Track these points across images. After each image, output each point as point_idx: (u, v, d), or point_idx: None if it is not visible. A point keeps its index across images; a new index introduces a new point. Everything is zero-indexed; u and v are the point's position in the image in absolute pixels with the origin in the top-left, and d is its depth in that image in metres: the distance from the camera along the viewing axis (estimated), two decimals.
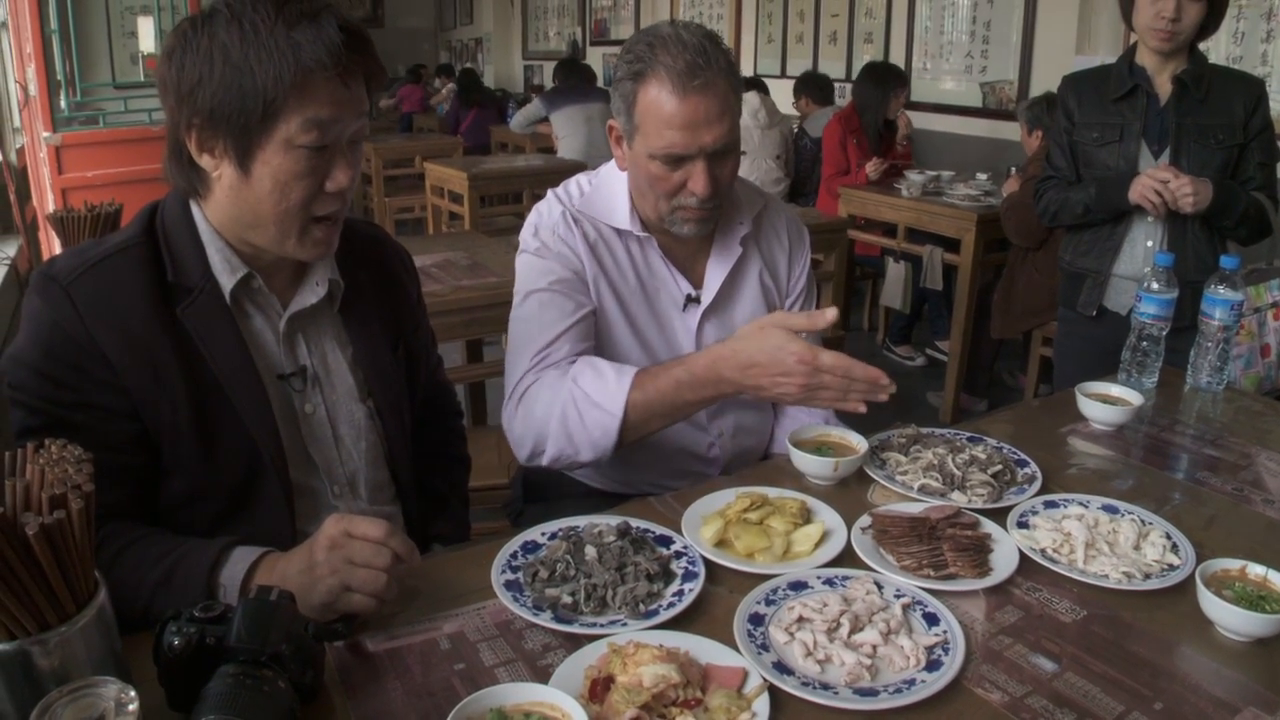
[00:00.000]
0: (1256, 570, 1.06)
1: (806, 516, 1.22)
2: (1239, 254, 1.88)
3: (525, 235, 1.47)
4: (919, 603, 1.05)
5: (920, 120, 5.14)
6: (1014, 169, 3.89)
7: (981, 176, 4.22)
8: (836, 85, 5.45)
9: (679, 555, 1.13)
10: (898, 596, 1.05)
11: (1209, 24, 2.09)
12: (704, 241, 1.50)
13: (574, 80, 5.96)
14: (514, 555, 1.12)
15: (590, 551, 1.09)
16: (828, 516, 1.22)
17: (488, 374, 2.82)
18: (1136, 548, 1.16)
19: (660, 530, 1.18)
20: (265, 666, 0.80)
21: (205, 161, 1.06)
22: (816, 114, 5.09)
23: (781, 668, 0.93)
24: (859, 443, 1.38)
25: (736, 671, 0.92)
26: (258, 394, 1.12)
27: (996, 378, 4.09)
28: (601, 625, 1.00)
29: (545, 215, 1.47)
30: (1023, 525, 1.22)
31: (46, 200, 3.24)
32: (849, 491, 1.32)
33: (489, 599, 1.05)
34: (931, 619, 1.02)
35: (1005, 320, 3.50)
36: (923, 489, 1.30)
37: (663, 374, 1.30)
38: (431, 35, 12.87)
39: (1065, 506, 1.26)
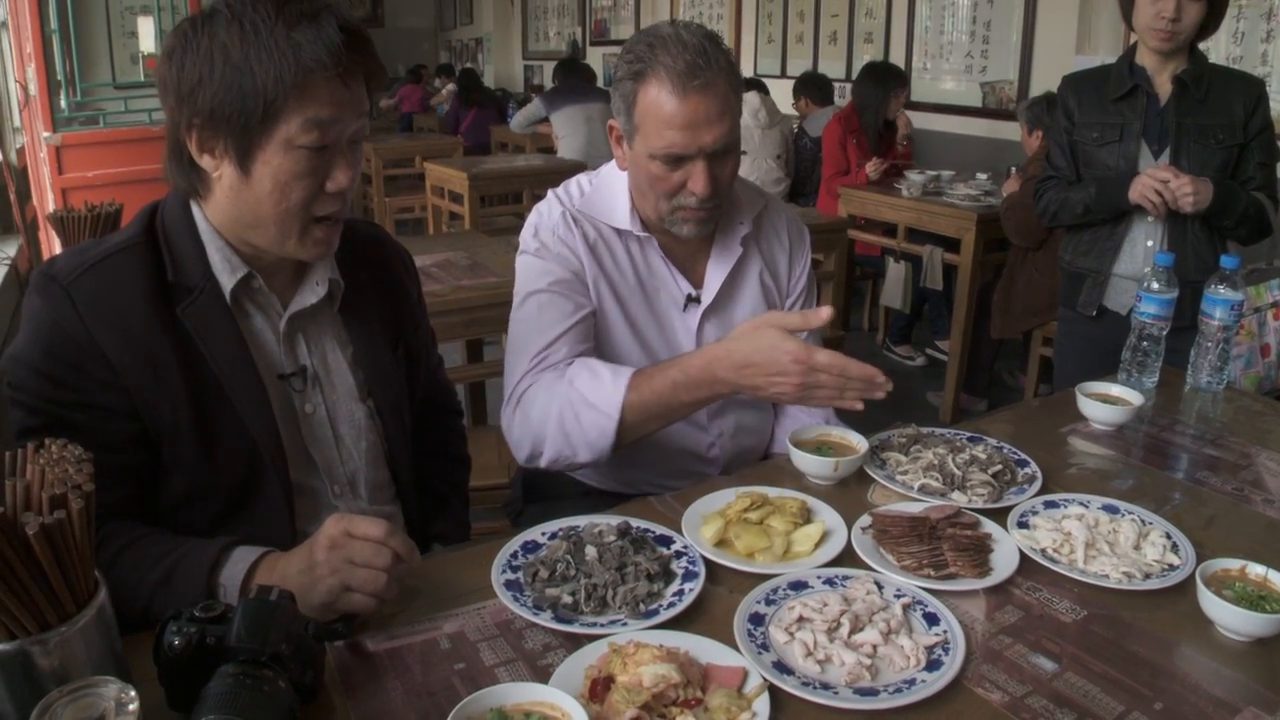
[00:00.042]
0: (1256, 570, 1.06)
1: (806, 516, 1.22)
2: (1239, 254, 1.87)
3: (525, 236, 1.47)
4: (919, 602, 1.05)
5: (920, 120, 5.14)
6: (1014, 169, 3.89)
7: (981, 176, 4.22)
8: (836, 85, 5.45)
9: (679, 555, 1.13)
10: (898, 596, 1.05)
11: (1209, 24, 2.09)
12: (704, 241, 1.50)
13: (574, 80, 5.96)
14: (514, 555, 1.12)
15: (590, 551, 1.09)
16: (828, 516, 1.22)
17: (488, 374, 2.82)
18: (1137, 548, 1.16)
19: (660, 530, 1.18)
20: (265, 666, 0.80)
21: (205, 162, 1.06)
22: (816, 114, 5.10)
23: (781, 667, 0.93)
24: (859, 443, 1.38)
25: (736, 671, 0.92)
26: (258, 394, 1.12)
27: (996, 378, 4.09)
28: (601, 625, 1.00)
29: (545, 216, 1.47)
30: (1023, 525, 1.22)
31: (46, 200, 3.24)
32: (849, 491, 1.32)
33: (489, 599, 1.05)
34: (931, 619, 1.02)
35: (1005, 320, 3.50)
36: (923, 489, 1.30)
37: (658, 375, 1.30)
38: (431, 35, 12.87)
39: (1065, 506, 1.26)
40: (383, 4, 12.44)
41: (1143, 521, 1.21)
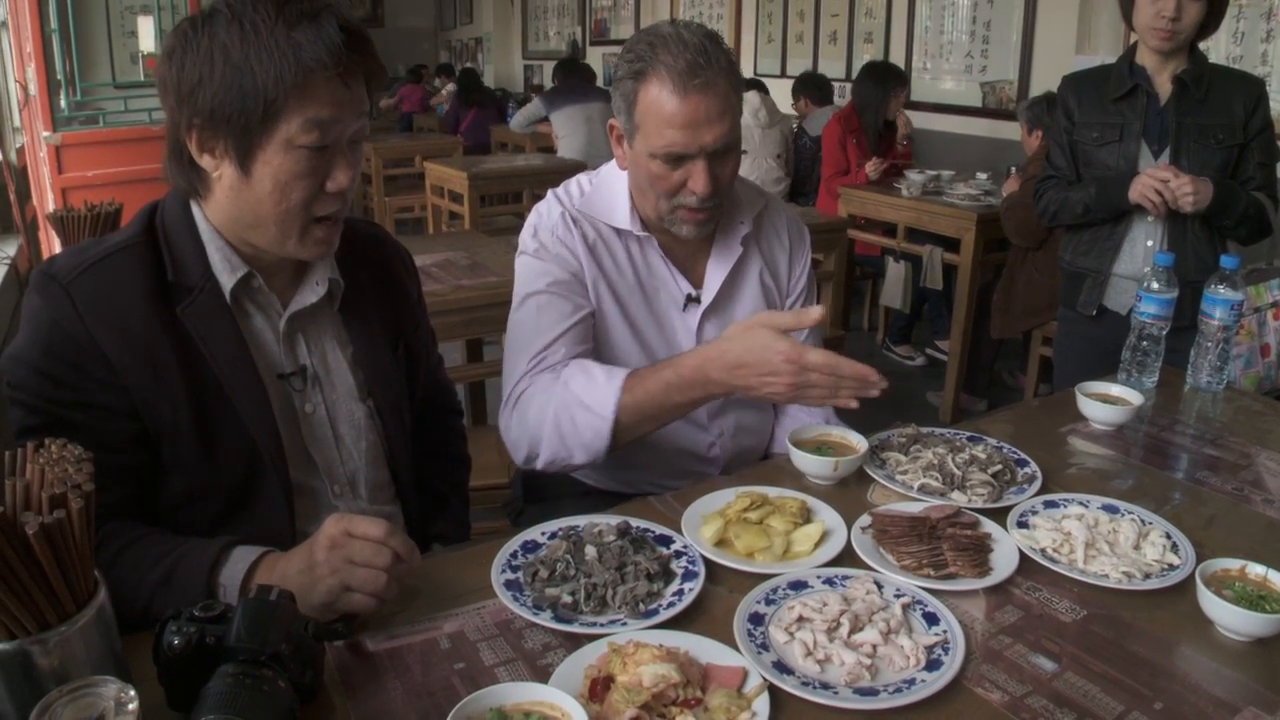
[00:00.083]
0: (1256, 570, 1.06)
1: (806, 516, 1.22)
2: (1239, 254, 1.88)
3: (524, 237, 1.47)
4: (919, 602, 1.05)
5: (920, 120, 5.14)
6: (1014, 169, 3.89)
7: (981, 176, 4.22)
8: (836, 85, 5.45)
9: (679, 555, 1.13)
10: (898, 596, 1.05)
11: (1209, 23, 2.09)
12: (704, 241, 1.49)
13: (574, 80, 5.96)
14: (514, 555, 1.12)
15: (590, 551, 1.09)
16: (828, 516, 1.22)
17: (488, 373, 2.82)
18: (1136, 547, 1.16)
19: (660, 530, 1.18)
20: (265, 666, 0.80)
21: (205, 162, 1.06)
22: (816, 113, 5.10)
23: (781, 667, 0.93)
24: (859, 442, 1.38)
25: (736, 671, 0.92)
26: (258, 393, 1.12)
27: (996, 377, 4.09)
28: (601, 625, 1.00)
29: (545, 216, 1.47)
30: (1023, 525, 1.22)
31: (46, 200, 3.24)
32: (849, 491, 1.32)
33: (489, 598, 1.05)
34: (931, 619, 1.02)
35: (1005, 320, 3.50)
36: (923, 489, 1.30)
37: (652, 376, 1.30)
38: (431, 35, 12.87)
39: (1065, 506, 1.26)
40: (383, 4, 12.44)
41: (1143, 521, 1.21)
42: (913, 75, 5.39)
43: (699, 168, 1.32)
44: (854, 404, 1.24)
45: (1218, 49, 3.82)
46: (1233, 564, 1.07)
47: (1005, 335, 3.61)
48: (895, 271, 4.12)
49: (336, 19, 1.02)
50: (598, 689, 0.87)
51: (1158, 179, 2.06)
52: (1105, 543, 1.16)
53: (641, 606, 1.02)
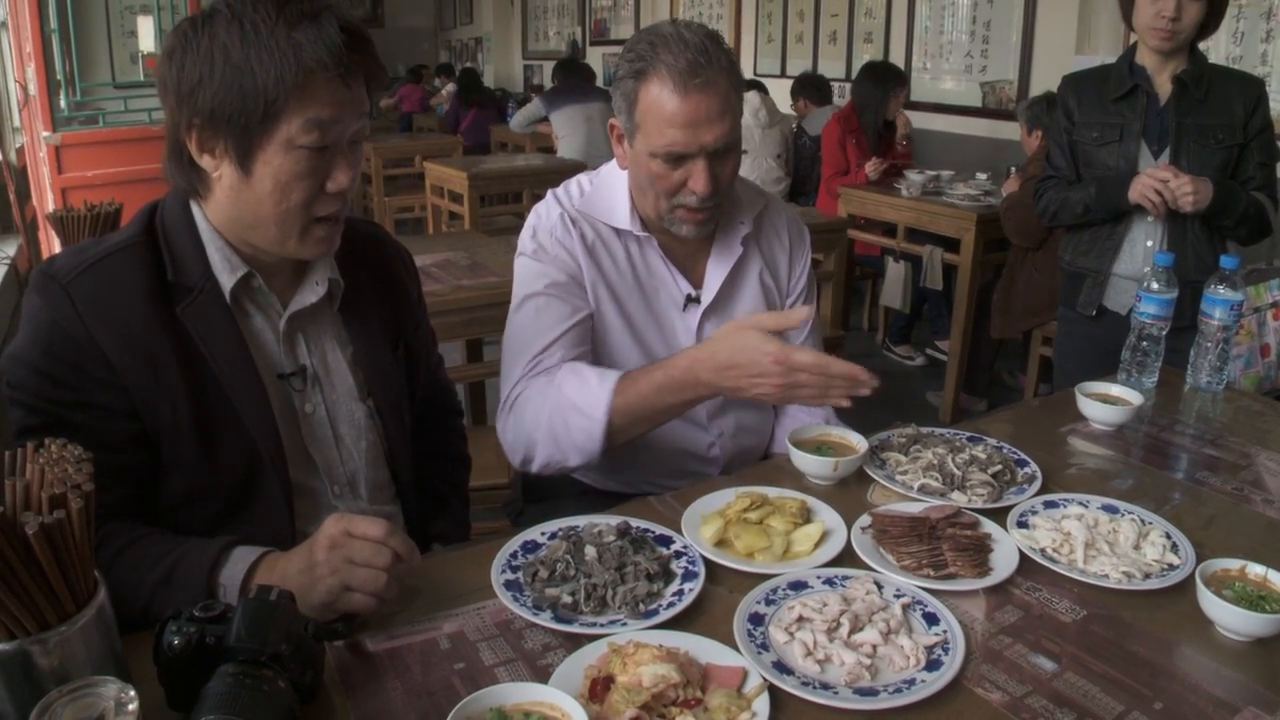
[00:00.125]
0: (1256, 570, 1.06)
1: (806, 516, 1.22)
2: (1239, 254, 1.88)
3: (523, 238, 1.47)
4: (919, 602, 1.05)
5: (920, 120, 5.14)
6: (1014, 169, 3.89)
7: (981, 176, 4.22)
8: (836, 85, 5.45)
9: (679, 555, 1.13)
10: (898, 596, 1.05)
11: (1209, 23, 2.10)
12: (704, 241, 1.49)
13: (574, 80, 5.96)
14: (514, 555, 1.12)
15: (590, 551, 1.09)
16: (828, 516, 1.22)
17: (488, 373, 2.82)
18: (1136, 547, 1.16)
19: (660, 530, 1.18)
20: (265, 666, 0.80)
21: (205, 162, 1.06)
22: (815, 113, 5.10)
23: (781, 667, 0.93)
24: (859, 442, 1.38)
25: (736, 671, 0.92)
26: (257, 393, 1.12)
27: (996, 377, 4.09)
28: (601, 625, 1.00)
29: (543, 217, 1.47)
30: (1023, 525, 1.22)
31: (46, 200, 3.24)
32: (849, 491, 1.32)
33: (489, 599, 1.05)
34: (931, 619, 1.02)
35: (1005, 320, 3.50)
36: (923, 489, 1.30)
37: (643, 378, 1.30)
38: (431, 35, 12.87)
39: (1065, 506, 1.26)
40: (383, 4, 12.44)
41: (1142, 521, 1.21)
42: (913, 75, 5.39)
43: (699, 167, 1.32)
44: (846, 403, 1.24)
45: (1218, 49, 3.82)
46: (1233, 564, 1.07)
47: (1005, 335, 3.62)
48: (895, 271, 4.12)
49: (337, 19, 1.02)
50: (598, 689, 0.87)
51: (1157, 179, 2.06)
52: (1105, 543, 1.16)
53: (641, 607, 1.02)
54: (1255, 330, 2.56)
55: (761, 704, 0.87)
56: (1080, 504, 1.26)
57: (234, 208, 1.09)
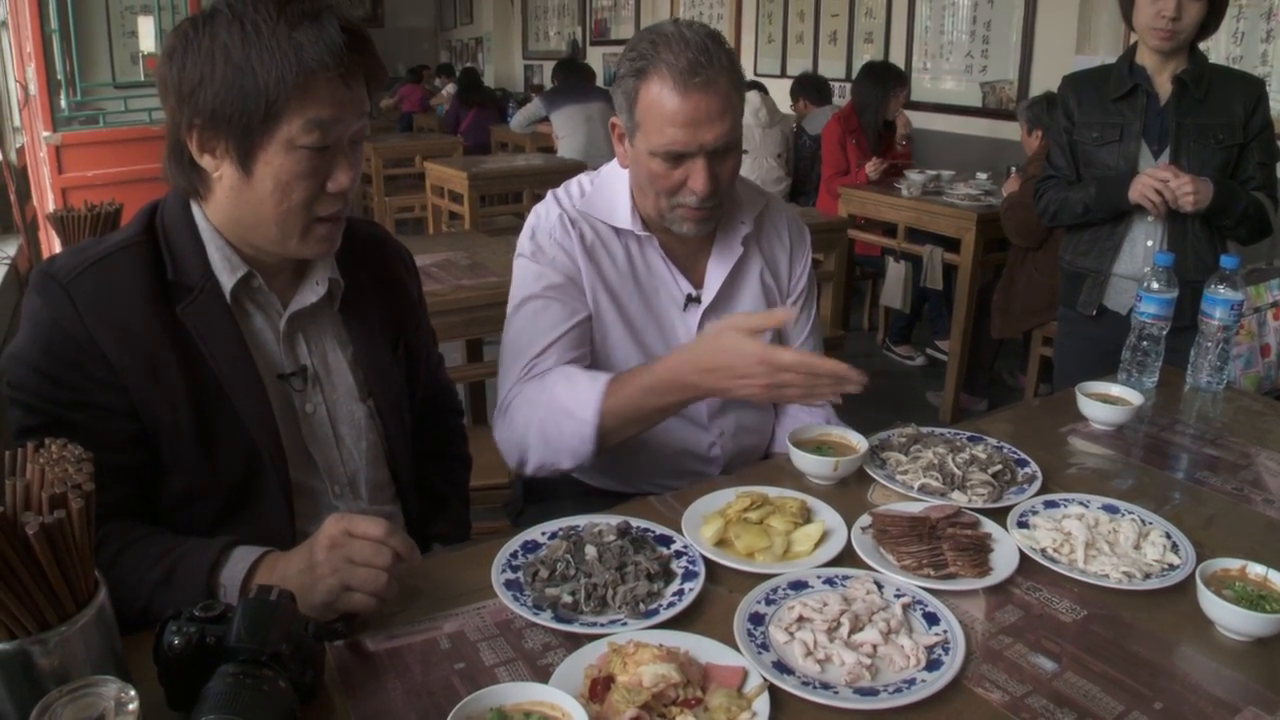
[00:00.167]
0: (1256, 570, 1.06)
1: (806, 516, 1.22)
2: (1239, 254, 1.88)
3: (522, 239, 1.47)
4: (919, 602, 1.05)
5: (920, 120, 5.14)
6: (1014, 169, 3.89)
7: (981, 176, 4.22)
8: (836, 85, 5.45)
9: (679, 555, 1.13)
10: (898, 596, 1.05)
11: (1209, 23, 2.10)
12: (705, 241, 1.50)
13: (574, 80, 5.96)
14: (514, 555, 1.12)
15: (590, 551, 1.09)
16: (828, 516, 1.22)
17: (488, 373, 2.82)
18: (1136, 547, 1.16)
19: (660, 530, 1.18)
20: (265, 666, 0.80)
21: (206, 162, 1.06)
22: (815, 112, 5.10)
23: (781, 667, 0.93)
24: (859, 442, 1.38)
25: (736, 671, 0.92)
26: (258, 393, 1.12)
27: (996, 377, 4.09)
28: (601, 625, 1.00)
29: (542, 218, 1.47)
30: (1023, 525, 1.22)
31: (46, 200, 3.24)
32: (849, 491, 1.32)
33: (489, 598, 1.05)
34: (931, 618, 1.02)
35: (1005, 320, 3.50)
36: (923, 489, 1.30)
37: (631, 381, 1.30)
38: (431, 35, 12.88)
39: (1065, 506, 1.26)
40: (383, 4, 12.44)
41: (1143, 521, 1.21)
42: (913, 75, 5.39)
43: (699, 166, 1.32)
44: (836, 400, 1.24)
45: (1218, 49, 3.82)
46: (1233, 564, 1.07)
47: (1005, 335, 3.61)
48: (895, 271, 4.12)
49: (337, 19, 1.02)
50: (598, 689, 0.87)
51: (1158, 179, 2.06)
52: (1105, 543, 1.16)
53: (641, 606, 1.02)
54: (1255, 330, 2.56)
55: (761, 704, 0.87)
56: (1080, 504, 1.26)
57: (235, 208, 1.09)
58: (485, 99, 8.07)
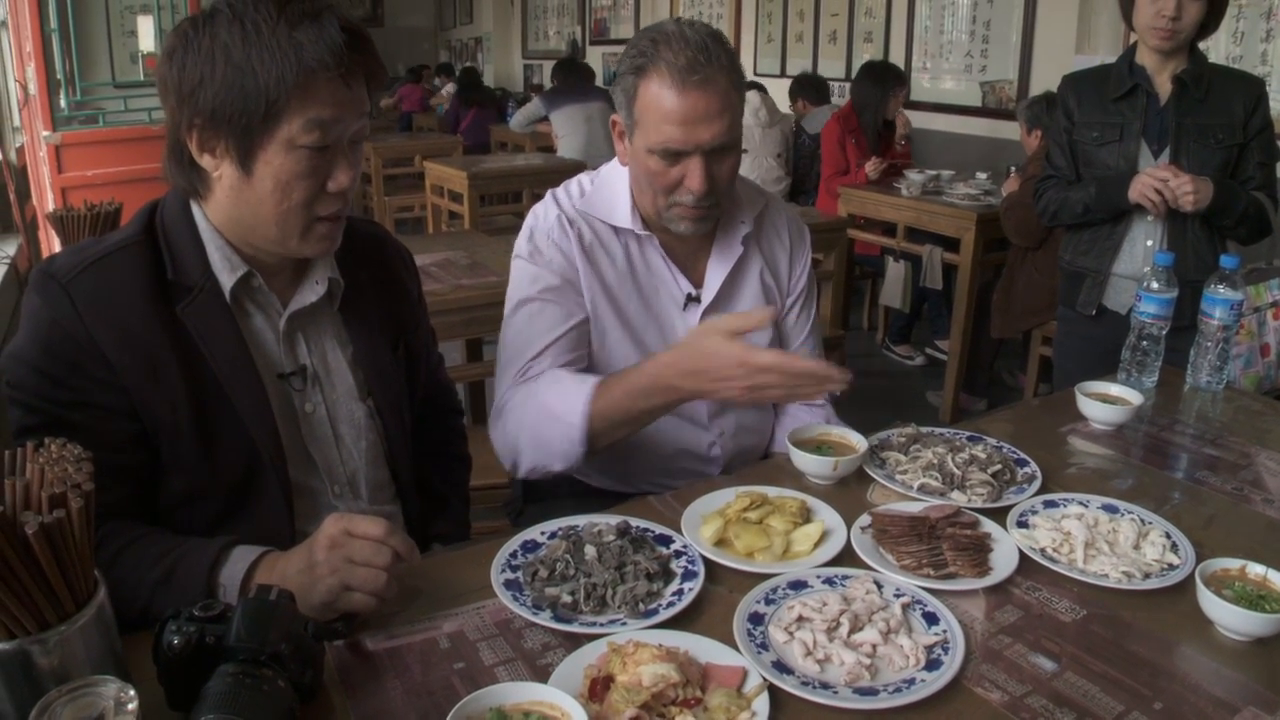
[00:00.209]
0: (1256, 570, 1.06)
1: (806, 516, 1.22)
2: (1239, 253, 1.88)
3: (520, 240, 1.47)
4: (919, 602, 1.05)
5: (920, 120, 5.14)
6: (1014, 168, 3.89)
7: (981, 176, 4.22)
8: (836, 85, 5.45)
9: (678, 554, 1.13)
10: (897, 596, 1.05)
11: (1209, 23, 2.10)
12: (705, 240, 1.50)
13: (573, 80, 5.96)
14: (514, 554, 1.12)
15: (590, 551, 1.09)
16: (827, 516, 1.22)
17: (488, 373, 2.82)
18: (1136, 547, 1.16)
19: (660, 529, 1.18)
20: (265, 666, 0.80)
21: (206, 161, 1.06)
22: (814, 111, 5.10)
23: (781, 667, 0.93)
24: (859, 442, 1.38)
25: (736, 671, 0.92)
26: (257, 393, 1.11)
27: (996, 377, 4.09)
28: (601, 624, 1.00)
29: (540, 219, 1.47)
30: (1022, 525, 1.22)
31: (46, 199, 3.24)
32: (849, 491, 1.32)
33: (489, 598, 1.05)
34: (931, 618, 1.02)
35: (1005, 320, 3.50)
36: (922, 488, 1.30)
37: (618, 384, 1.30)
38: (431, 35, 12.88)
39: (1065, 506, 1.26)
40: (383, 3, 12.44)
41: (1142, 521, 1.21)
42: (912, 75, 5.39)
43: (695, 165, 1.32)
44: (819, 399, 1.23)
45: (1218, 49, 3.81)
46: (1233, 564, 1.07)
47: (1005, 335, 3.61)
48: (895, 271, 4.12)
49: (338, 19, 1.02)
50: (597, 689, 0.87)
51: (1157, 178, 2.06)
52: (1105, 542, 1.16)
53: (641, 606, 1.02)
54: (1255, 330, 2.56)
55: (761, 704, 0.87)
56: (1080, 504, 1.26)
57: (234, 207, 1.08)
58: (485, 99, 8.06)
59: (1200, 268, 2.08)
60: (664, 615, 1.01)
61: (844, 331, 3.86)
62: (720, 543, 1.16)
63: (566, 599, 1.03)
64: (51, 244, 3.03)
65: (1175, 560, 1.13)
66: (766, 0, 6.81)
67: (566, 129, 5.72)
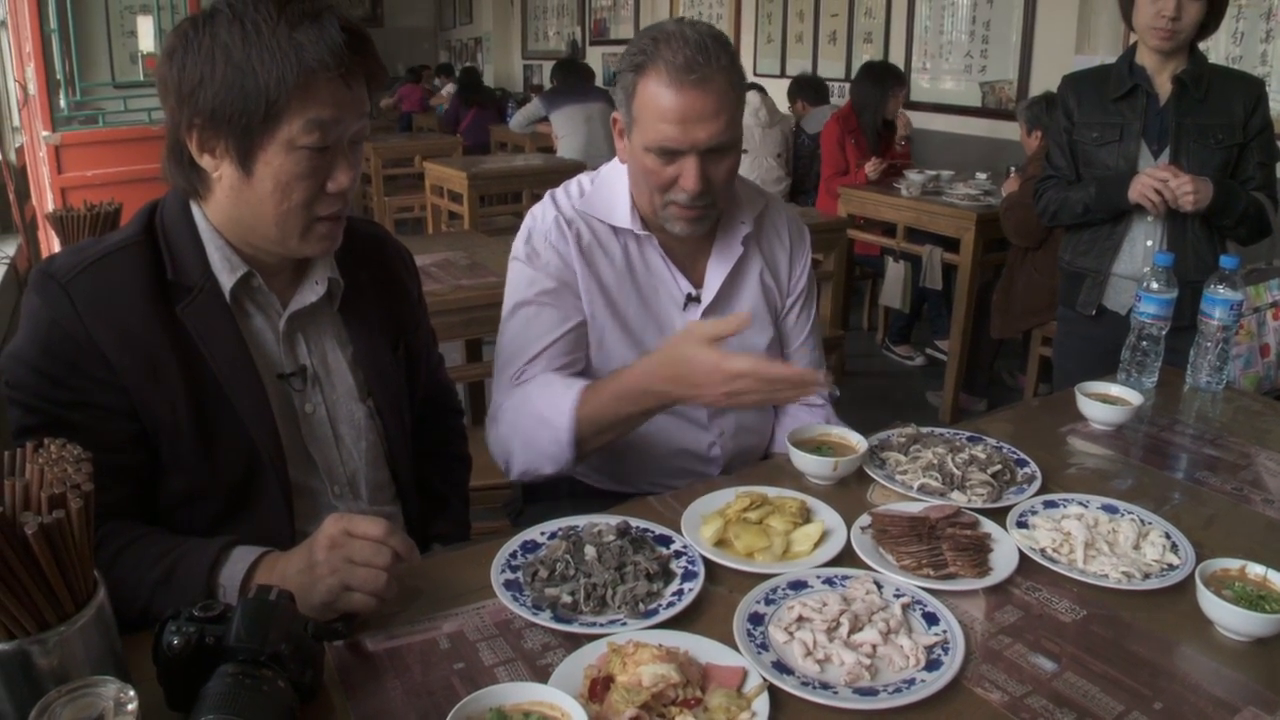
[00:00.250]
0: (1256, 570, 1.06)
1: (806, 516, 1.22)
2: (1239, 254, 1.88)
3: (517, 242, 1.47)
4: (919, 602, 1.05)
5: (920, 120, 5.14)
6: (1013, 169, 3.89)
7: (981, 176, 4.22)
8: (835, 85, 5.45)
9: (678, 555, 1.13)
10: (897, 596, 1.05)
11: (1209, 23, 2.10)
12: (705, 240, 1.49)
13: (573, 80, 5.96)
14: (514, 555, 1.12)
15: (590, 551, 1.09)
16: (827, 516, 1.22)
17: (487, 373, 2.80)
18: (1136, 547, 1.16)
19: (660, 530, 1.18)
20: (265, 666, 0.80)
21: (206, 162, 1.06)
22: (814, 111, 5.11)
23: (781, 667, 0.93)
24: (859, 442, 1.38)
25: (736, 671, 0.92)
26: (257, 393, 1.11)
27: (996, 377, 4.09)
28: (601, 625, 1.00)
29: (538, 220, 1.47)
30: (1022, 525, 1.22)
31: (46, 199, 3.24)
32: (849, 491, 1.32)
33: (489, 598, 1.05)
34: (931, 618, 1.02)
35: (1005, 320, 3.50)
36: (922, 488, 1.30)
37: (604, 388, 1.31)
38: (431, 35, 12.88)
39: (1065, 506, 1.26)
40: (383, 4, 12.44)
41: (1142, 521, 1.21)
42: (912, 75, 5.39)
43: (691, 164, 1.32)
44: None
45: (1218, 49, 3.82)
46: (1232, 564, 1.07)
47: (1005, 335, 3.62)
48: (895, 271, 4.12)
49: (338, 19, 1.02)
50: (597, 689, 0.87)
51: (1157, 178, 2.06)
52: (1105, 543, 1.16)
53: (641, 606, 1.02)
54: (1255, 330, 2.56)
55: (761, 704, 0.87)
56: (1080, 504, 1.26)
57: (234, 208, 1.08)
58: (485, 99, 8.07)
59: (1200, 268, 2.08)
60: (664, 615, 1.01)
61: (844, 332, 3.86)
62: (720, 543, 1.16)
63: (566, 599, 1.03)
64: (51, 244, 3.03)
65: (1175, 560, 1.13)
66: (766, 0, 6.81)
67: (566, 129, 5.72)
